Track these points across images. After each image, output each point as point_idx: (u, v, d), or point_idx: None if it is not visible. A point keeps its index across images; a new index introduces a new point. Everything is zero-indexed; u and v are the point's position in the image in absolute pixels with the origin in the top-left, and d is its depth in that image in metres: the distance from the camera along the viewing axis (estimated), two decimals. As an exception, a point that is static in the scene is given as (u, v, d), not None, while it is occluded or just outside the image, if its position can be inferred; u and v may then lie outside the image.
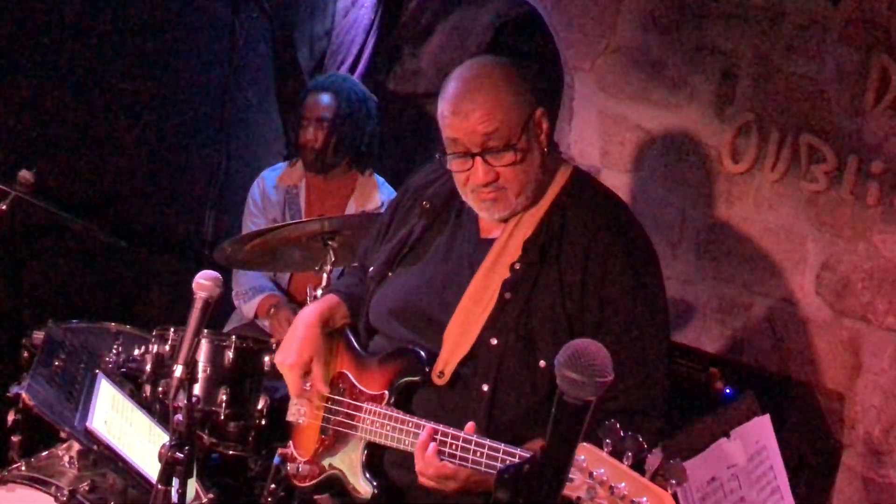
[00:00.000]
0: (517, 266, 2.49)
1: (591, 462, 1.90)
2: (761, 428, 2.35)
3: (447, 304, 2.55)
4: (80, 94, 4.69)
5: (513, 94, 2.48)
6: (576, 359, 1.85)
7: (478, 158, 2.45)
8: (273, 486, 3.54)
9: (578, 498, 1.94)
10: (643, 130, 4.15)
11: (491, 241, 2.57)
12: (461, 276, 2.56)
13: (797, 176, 3.78)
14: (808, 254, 3.77)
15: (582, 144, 4.32)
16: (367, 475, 2.55)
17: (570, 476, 2.03)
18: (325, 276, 3.69)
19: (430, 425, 2.39)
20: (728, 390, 3.53)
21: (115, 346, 3.79)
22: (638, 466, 1.89)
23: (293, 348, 2.69)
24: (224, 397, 3.70)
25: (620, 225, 2.55)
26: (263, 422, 3.76)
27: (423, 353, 2.53)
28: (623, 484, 1.89)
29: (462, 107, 2.46)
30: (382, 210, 4.48)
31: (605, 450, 1.91)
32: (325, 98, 4.46)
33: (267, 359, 3.79)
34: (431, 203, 2.70)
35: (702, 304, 4.02)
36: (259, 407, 3.76)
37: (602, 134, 4.25)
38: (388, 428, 2.51)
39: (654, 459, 1.89)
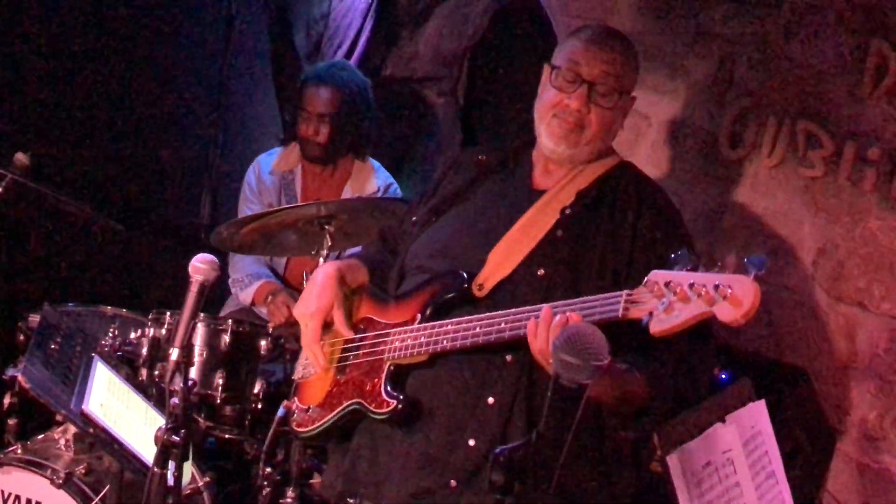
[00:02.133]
0: (568, 211, 2.61)
1: (663, 279, 1.92)
2: (756, 413, 2.35)
3: (493, 240, 2.62)
4: (76, 78, 4.68)
5: (634, 64, 2.73)
6: (571, 342, 1.86)
7: (585, 86, 2.62)
8: (269, 469, 3.55)
9: (650, 312, 1.96)
10: (640, 115, 4.14)
11: (542, 192, 2.69)
12: (510, 216, 2.66)
13: (794, 161, 3.78)
14: (805, 239, 3.78)
15: (579, 129, 4.31)
16: (389, 388, 2.55)
17: (637, 300, 2.09)
18: (321, 260, 3.69)
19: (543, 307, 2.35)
20: (723, 375, 3.53)
21: (112, 330, 3.80)
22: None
23: (313, 297, 2.73)
24: (220, 381, 3.70)
25: (668, 202, 2.72)
26: (259, 405, 3.77)
27: (462, 273, 2.59)
28: (703, 282, 1.92)
29: (601, 42, 2.67)
30: (379, 195, 4.49)
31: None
32: (327, 92, 4.39)
33: (263, 343, 3.80)
34: (487, 157, 2.83)
35: (698, 290, 4.02)
36: (255, 391, 3.77)
37: (599, 119, 4.24)
38: (423, 336, 2.53)
39: (731, 261, 1.92)
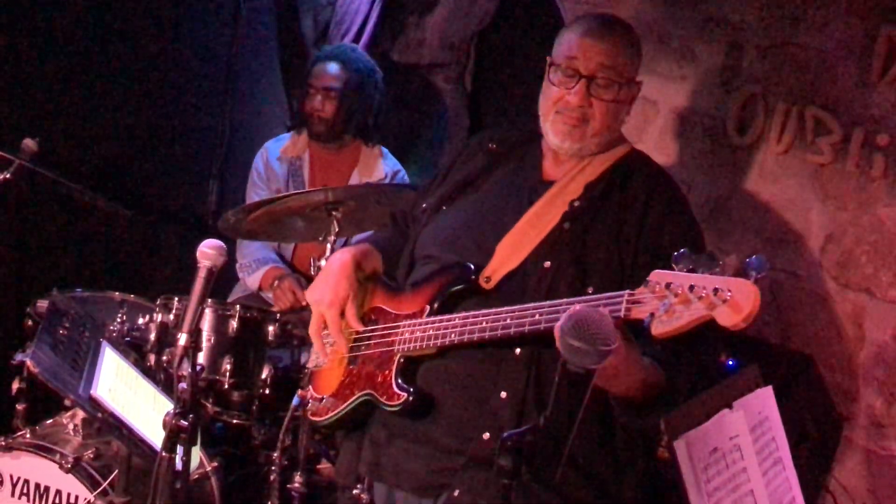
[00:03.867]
0: (576, 203, 2.60)
1: (664, 279, 1.92)
2: (764, 400, 2.35)
3: (502, 232, 2.61)
4: (84, 64, 4.68)
5: (634, 51, 2.67)
6: (579, 327, 1.86)
7: (583, 81, 2.58)
8: (276, 454, 3.56)
9: (651, 314, 1.96)
10: (649, 102, 4.13)
11: (552, 183, 2.68)
12: (519, 208, 2.64)
13: (802, 148, 3.77)
14: (813, 226, 3.77)
15: (587, 116, 4.30)
16: (400, 381, 2.55)
17: (639, 300, 2.08)
18: (328, 246, 3.69)
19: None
20: (731, 362, 3.53)
21: (120, 315, 3.81)
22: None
23: (328, 287, 2.71)
24: (228, 366, 3.71)
25: (676, 190, 2.70)
26: (267, 391, 3.78)
27: (469, 265, 2.58)
28: (703, 284, 1.91)
29: (595, 33, 2.62)
30: (386, 181, 4.49)
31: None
32: (334, 68, 4.43)
33: (271, 328, 3.81)
34: (498, 145, 2.81)
35: (705, 277, 4.02)
36: (263, 376, 3.77)
37: (607, 105, 4.23)
38: (431, 329, 2.53)
39: (731, 262, 1.93)
